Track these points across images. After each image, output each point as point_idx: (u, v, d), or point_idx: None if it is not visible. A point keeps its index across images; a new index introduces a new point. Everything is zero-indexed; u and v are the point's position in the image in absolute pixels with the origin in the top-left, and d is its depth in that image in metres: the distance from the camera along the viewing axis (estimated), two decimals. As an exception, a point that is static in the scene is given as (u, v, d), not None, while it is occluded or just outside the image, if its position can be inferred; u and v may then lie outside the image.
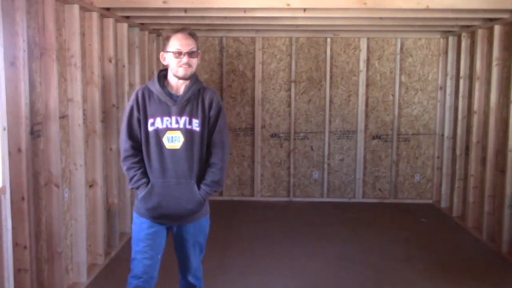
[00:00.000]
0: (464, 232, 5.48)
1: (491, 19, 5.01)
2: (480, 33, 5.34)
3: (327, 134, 6.66)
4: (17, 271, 3.11)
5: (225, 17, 4.94)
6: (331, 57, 6.58)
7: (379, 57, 6.60)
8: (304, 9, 4.41)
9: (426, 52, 6.56)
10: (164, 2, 4.12)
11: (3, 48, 2.90)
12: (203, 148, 2.70)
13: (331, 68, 6.60)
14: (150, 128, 2.65)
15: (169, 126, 2.64)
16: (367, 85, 6.61)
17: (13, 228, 3.05)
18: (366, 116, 6.65)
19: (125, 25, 4.82)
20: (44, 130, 3.46)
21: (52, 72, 3.45)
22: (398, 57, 6.54)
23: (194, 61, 2.68)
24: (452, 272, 4.36)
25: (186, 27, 2.79)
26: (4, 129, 2.92)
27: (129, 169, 2.70)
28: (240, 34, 6.51)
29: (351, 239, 5.21)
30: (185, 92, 2.69)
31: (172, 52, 2.64)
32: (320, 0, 4.20)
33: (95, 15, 4.11)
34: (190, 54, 2.65)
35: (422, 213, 6.23)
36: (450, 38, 6.26)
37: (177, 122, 2.64)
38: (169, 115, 2.64)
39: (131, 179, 2.70)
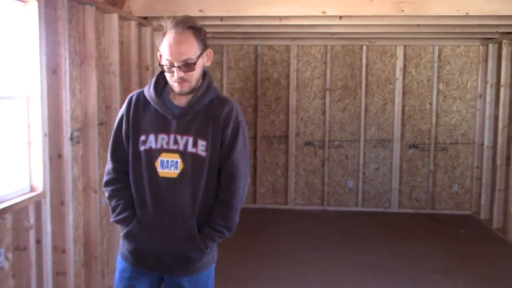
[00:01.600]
0: (505, 244, 5.31)
1: (533, 26, 4.87)
2: (522, 40, 5.20)
3: (362, 142, 6.59)
4: (56, 274, 3.17)
5: (260, 25, 4.97)
6: (367, 65, 6.52)
7: (416, 65, 6.50)
8: (340, 17, 4.38)
9: (465, 59, 6.43)
10: (201, 11, 4.17)
11: (46, 57, 3.00)
12: (212, 179, 2.01)
13: (366, 76, 6.53)
14: (141, 147, 2.01)
15: (165, 146, 1.98)
16: (404, 93, 6.52)
17: (52, 232, 3.12)
18: (403, 124, 6.55)
19: (161, 34, 4.88)
20: (83, 136, 3.54)
21: (92, 80, 3.53)
22: (435, 64, 6.43)
23: (193, 74, 1.96)
24: (491, 286, 4.22)
25: (184, 19, 1.96)
26: (45, 135, 3.01)
27: (110, 197, 2.09)
28: (275, 42, 6.53)
29: (386, 250, 5.12)
30: (191, 102, 2.01)
31: (162, 63, 1.98)
32: (356, 8, 4.16)
33: (133, 24, 4.19)
34: (185, 66, 1.93)
35: (461, 225, 6.08)
36: (490, 45, 6.11)
37: (176, 142, 1.98)
38: (167, 132, 1.99)
39: (113, 210, 2.08)
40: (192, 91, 2.00)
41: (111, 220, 2.11)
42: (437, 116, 6.51)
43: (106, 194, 2.12)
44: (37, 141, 2.98)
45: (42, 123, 2.99)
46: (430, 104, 6.50)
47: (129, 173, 2.05)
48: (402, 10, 4.08)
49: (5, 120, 2.99)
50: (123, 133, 2.06)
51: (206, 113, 2.02)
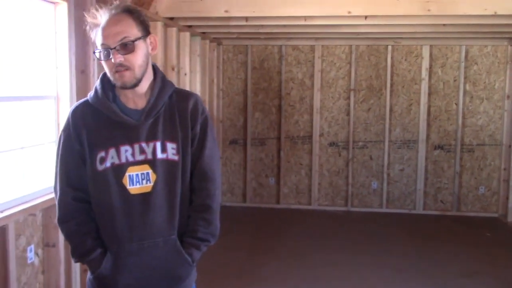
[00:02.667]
0: (533, 248, 5.22)
1: None
2: (552, 39, 5.09)
3: (387, 143, 6.54)
4: (83, 271, 3.23)
5: (285, 26, 4.97)
6: (392, 65, 6.47)
7: (442, 65, 6.42)
8: (366, 17, 4.36)
9: (493, 59, 6.32)
10: (226, 11, 4.19)
11: (75, 57, 3.06)
12: (186, 184, 1.77)
13: (391, 76, 6.48)
14: (101, 167, 1.70)
15: (131, 158, 1.70)
16: (429, 94, 6.44)
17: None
18: (428, 125, 6.47)
19: (187, 34, 4.94)
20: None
21: (119, 80, 3.58)
22: (462, 65, 6.34)
23: (134, 59, 1.65)
24: (519, 290, 4.16)
25: (118, 4, 1.70)
26: (74, 134, 3.06)
27: (71, 234, 1.74)
28: (299, 42, 6.52)
29: (411, 252, 5.07)
30: (150, 103, 1.72)
31: (97, 53, 1.68)
32: (382, 8, 4.14)
33: (159, 24, 4.23)
34: (122, 48, 1.63)
35: (487, 227, 5.98)
36: (519, 45, 6.01)
37: (142, 151, 1.70)
38: (130, 142, 1.70)
39: (76, 249, 1.74)
40: (137, 83, 1.69)
41: (75, 261, 1.77)
42: (463, 117, 6.42)
43: (65, 232, 1.75)
44: (66, 140, 3.04)
45: (71, 122, 3.04)
46: (457, 104, 6.42)
47: (89, 201, 1.74)
48: (429, 10, 4.04)
49: (35, 120, 3.06)
50: (74, 154, 1.73)
51: (169, 111, 1.75)
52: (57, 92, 3.09)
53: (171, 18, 4.47)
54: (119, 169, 1.69)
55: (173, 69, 4.60)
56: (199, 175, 1.78)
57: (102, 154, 1.69)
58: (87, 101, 1.76)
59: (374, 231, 5.80)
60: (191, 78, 5.15)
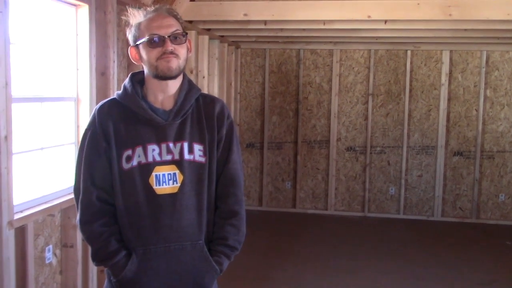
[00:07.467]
0: (554, 257, 5.11)
1: None
2: None
3: (405, 148, 6.47)
4: (100, 271, 3.24)
5: (304, 29, 4.96)
6: (411, 70, 6.41)
7: (462, 70, 6.34)
8: (385, 21, 4.33)
9: (514, 65, 6.23)
10: (245, 15, 4.20)
11: (96, 59, 3.08)
12: (212, 187, 1.75)
13: (410, 81, 6.42)
14: (127, 165, 1.67)
15: (158, 158, 1.67)
16: (449, 99, 6.37)
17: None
18: (447, 131, 6.40)
19: (206, 37, 4.96)
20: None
21: (138, 82, 3.60)
22: (483, 70, 6.26)
23: (182, 51, 1.70)
24: (541, 300, 4.08)
25: (162, 6, 1.75)
26: (93, 135, 3.08)
27: (95, 235, 1.68)
28: (317, 46, 6.50)
29: (429, 259, 5.00)
30: (178, 102, 1.72)
31: (146, 41, 1.66)
32: (403, 12, 4.10)
33: (179, 27, 4.26)
34: (175, 38, 1.67)
35: (507, 236, 5.88)
36: (542, 51, 5.91)
37: (169, 151, 1.69)
38: (157, 142, 1.68)
39: (97, 251, 1.68)
40: (179, 74, 1.72)
41: (97, 264, 1.71)
42: (483, 123, 6.33)
43: (87, 234, 1.69)
44: (85, 141, 3.06)
45: (90, 124, 3.06)
46: (477, 110, 6.33)
47: (111, 203, 1.70)
48: (450, 14, 4.00)
49: (55, 121, 3.08)
50: (101, 153, 1.69)
51: (197, 113, 1.75)
52: (77, 94, 3.12)
53: (190, 21, 4.48)
54: (146, 168, 1.67)
55: (191, 72, 4.61)
56: (226, 181, 1.76)
57: (129, 152, 1.67)
58: (113, 99, 1.75)
59: (391, 237, 5.74)
60: (209, 81, 5.17)
